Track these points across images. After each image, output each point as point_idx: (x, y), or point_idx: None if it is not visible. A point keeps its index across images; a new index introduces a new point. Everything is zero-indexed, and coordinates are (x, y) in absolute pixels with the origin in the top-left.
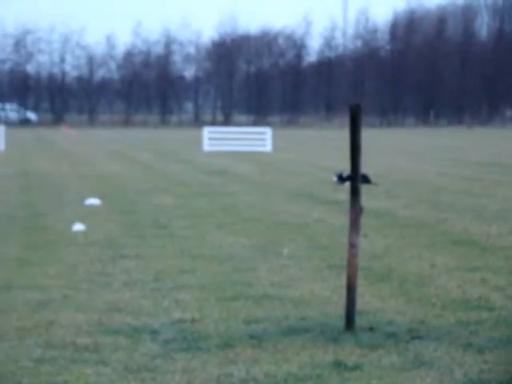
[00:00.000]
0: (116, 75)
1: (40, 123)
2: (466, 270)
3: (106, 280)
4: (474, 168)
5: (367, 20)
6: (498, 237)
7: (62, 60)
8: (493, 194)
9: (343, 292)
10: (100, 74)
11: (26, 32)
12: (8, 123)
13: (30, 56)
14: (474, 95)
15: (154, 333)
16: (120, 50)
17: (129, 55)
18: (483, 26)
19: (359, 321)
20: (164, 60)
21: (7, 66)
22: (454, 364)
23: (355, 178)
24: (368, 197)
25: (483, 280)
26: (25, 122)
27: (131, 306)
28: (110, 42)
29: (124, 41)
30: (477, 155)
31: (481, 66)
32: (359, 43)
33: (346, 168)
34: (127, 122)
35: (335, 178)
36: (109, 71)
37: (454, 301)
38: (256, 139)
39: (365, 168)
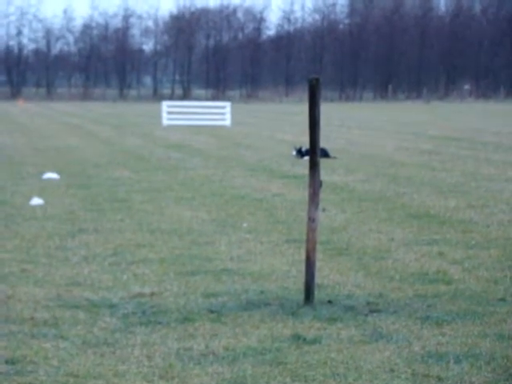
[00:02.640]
0: (74, 48)
1: None
2: (424, 244)
3: (65, 254)
4: (431, 142)
5: None
6: (455, 210)
7: (19, 33)
8: (450, 168)
9: (302, 266)
10: (58, 47)
11: None
12: None
13: None
14: (431, 70)
15: (113, 307)
16: (78, 22)
17: (86, 28)
18: (441, 1)
19: (318, 294)
20: (122, 33)
21: None
22: (412, 337)
23: (314, 153)
24: (327, 171)
25: (441, 253)
26: None
27: (90, 280)
28: (67, 14)
29: (81, 14)
30: (435, 129)
31: (439, 40)
32: (318, 17)
33: (305, 142)
34: (85, 96)
35: (294, 152)
36: (66, 44)
37: (412, 274)
38: (215, 113)
39: (324, 142)
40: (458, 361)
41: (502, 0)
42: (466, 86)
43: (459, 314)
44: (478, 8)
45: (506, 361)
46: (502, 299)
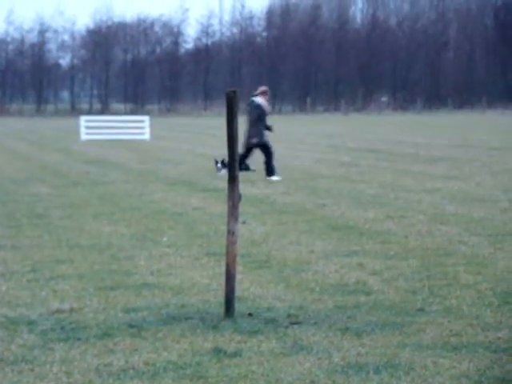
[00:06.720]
0: None
1: None
2: (344, 255)
3: None
4: (350, 154)
5: (243, 7)
6: (374, 222)
7: None
8: (369, 180)
9: (222, 279)
10: None
11: None
12: None
13: None
14: (349, 82)
15: (31, 324)
16: None
17: (2, 43)
18: (357, 13)
19: (239, 307)
20: (38, 48)
21: None
22: (333, 348)
23: (232, 166)
24: (247, 184)
25: (360, 264)
26: None
27: (8, 297)
28: None
29: None
30: (353, 141)
31: (355, 53)
32: (236, 30)
33: (225, 155)
34: (2, 111)
35: (219, 165)
36: None
37: (332, 285)
38: (134, 127)
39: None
40: (377, 371)
41: (417, 13)
42: (384, 98)
43: (378, 325)
44: (393, 21)
45: (424, 370)
46: (421, 309)
